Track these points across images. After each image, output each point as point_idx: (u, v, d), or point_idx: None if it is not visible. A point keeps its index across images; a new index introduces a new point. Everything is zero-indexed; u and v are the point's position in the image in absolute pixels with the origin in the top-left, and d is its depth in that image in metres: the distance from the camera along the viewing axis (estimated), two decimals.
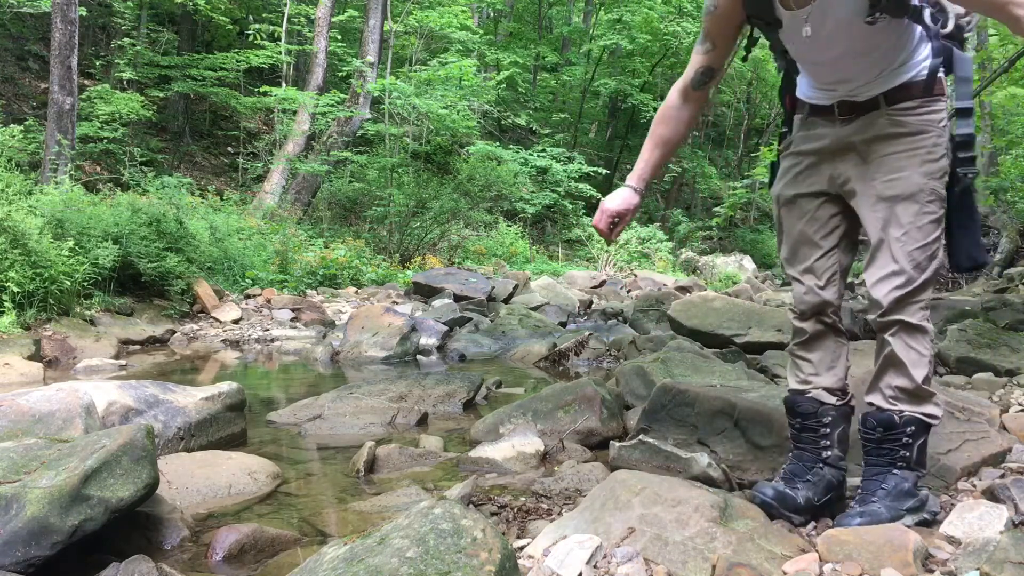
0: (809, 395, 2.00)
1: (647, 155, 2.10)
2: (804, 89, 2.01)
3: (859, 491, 1.90)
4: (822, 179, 1.98)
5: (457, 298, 8.30)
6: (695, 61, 2.01)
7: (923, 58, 1.84)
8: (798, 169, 2.02)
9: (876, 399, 1.89)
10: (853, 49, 1.81)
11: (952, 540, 1.72)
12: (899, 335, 1.83)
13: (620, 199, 2.08)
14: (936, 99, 1.85)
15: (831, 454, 1.97)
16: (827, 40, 1.81)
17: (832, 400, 1.99)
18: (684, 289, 10.56)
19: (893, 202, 1.83)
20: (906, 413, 1.84)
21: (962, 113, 1.89)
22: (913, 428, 1.85)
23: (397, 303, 8.07)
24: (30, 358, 4.71)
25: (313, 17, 14.43)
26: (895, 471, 1.85)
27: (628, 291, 11.35)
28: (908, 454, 1.85)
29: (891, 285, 1.83)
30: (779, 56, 2.03)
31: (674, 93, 2.07)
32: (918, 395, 1.84)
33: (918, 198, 1.82)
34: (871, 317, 1.88)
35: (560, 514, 2.07)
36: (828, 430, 1.98)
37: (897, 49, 1.82)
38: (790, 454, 2.06)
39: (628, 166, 24.48)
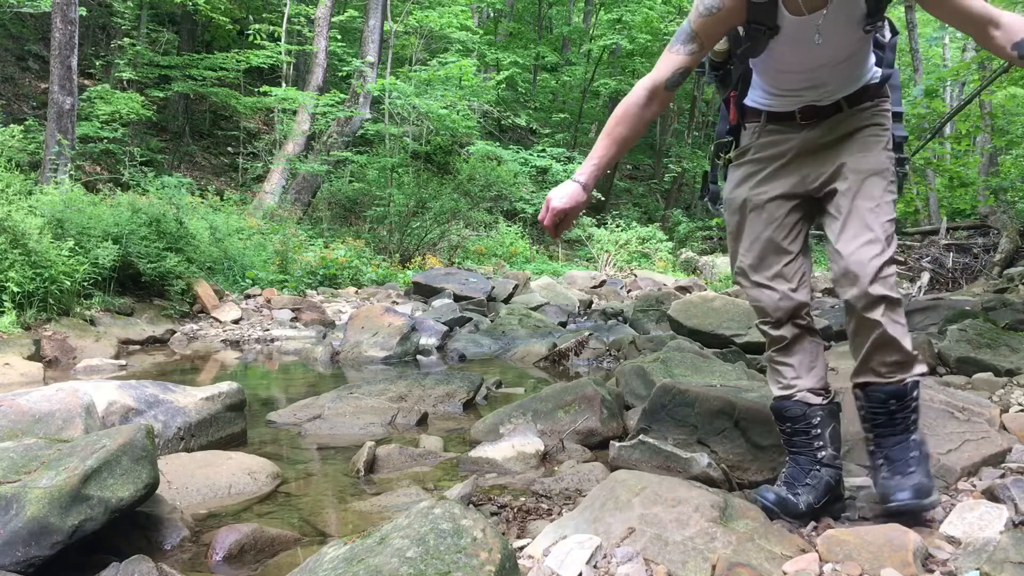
0: (795, 399, 2.01)
1: (602, 151, 1.96)
2: (757, 98, 2.02)
3: (886, 462, 1.89)
4: (791, 180, 1.99)
5: (457, 298, 8.30)
6: (674, 61, 1.91)
7: (872, 64, 1.96)
8: (763, 174, 2.02)
9: (869, 377, 1.91)
10: (840, 55, 1.87)
11: (952, 540, 1.72)
12: (887, 314, 1.83)
13: (568, 196, 1.94)
14: (885, 99, 1.98)
15: (826, 454, 1.97)
16: (821, 46, 1.83)
17: (818, 400, 2.00)
18: (684, 289, 10.56)
19: (863, 175, 1.89)
20: (907, 380, 1.88)
21: (897, 117, 2.01)
22: (917, 391, 1.90)
23: (397, 303, 8.08)
24: (30, 358, 4.71)
25: (313, 17, 14.43)
26: (913, 436, 1.89)
27: (628, 291, 11.34)
28: (916, 416, 1.92)
29: (872, 252, 1.83)
30: (727, 66, 2.02)
31: (641, 91, 1.95)
32: (910, 361, 1.89)
33: (885, 175, 1.91)
34: (852, 292, 1.84)
35: (560, 514, 2.07)
36: (819, 430, 1.98)
37: (865, 56, 1.92)
38: (787, 458, 2.06)
39: (628, 166, 24.31)
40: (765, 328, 2.06)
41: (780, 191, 2.00)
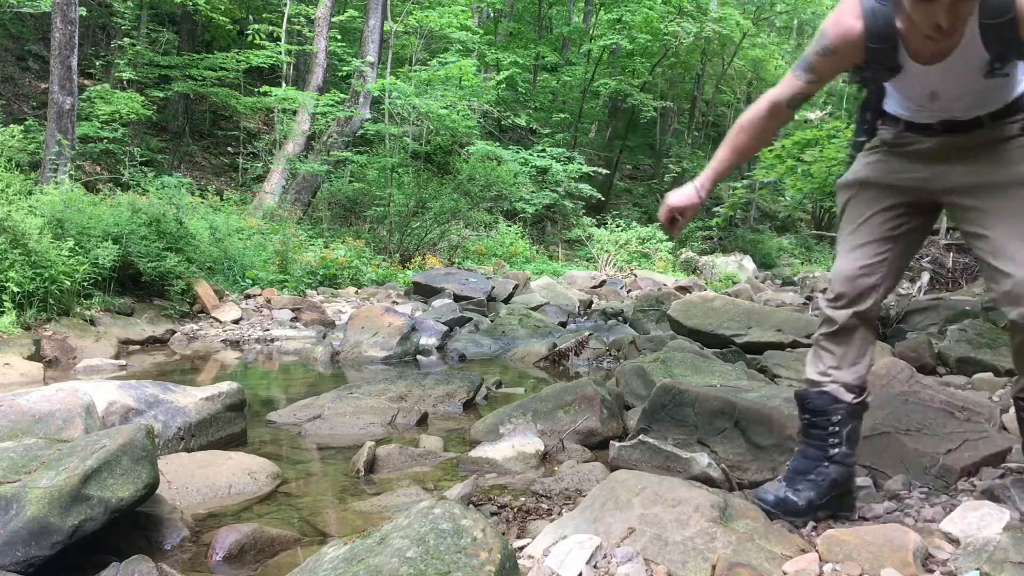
0: (824, 389, 1.96)
1: (721, 159, 2.03)
2: (895, 106, 1.95)
3: None
4: (917, 176, 1.92)
5: (457, 298, 8.30)
6: (794, 85, 1.93)
7: (1019, 80, 1.85)
8: (889, 162, 1.96)
9: None
10: (966, 94, 1.81)
11: (952, 540, 1.72)
12: None
13: (682, 195, 2.06)
14: None
15: (838, 452, 1.94)
16: (943, 87, 1.80)
17: (847, 398, 1.95)
18: (684, 289, 10.56)
19: (1015, 189, 1.80)
20: None
21: None
22: None
23: (397, 303, 8.07)
24: (30, 358, 4.71)
25: (313, 17, 14.42)
26: None
27: (628, 291, 11.34)
28: None
29: None
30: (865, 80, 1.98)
31: (765, 105, 1.98)
32: None
33: None
34: (1018, 311, 1.77)
35: (560, 514, 2.07)
36: (837, 428, 1.94)
37: (1003, 83, 1.82)
38: (796, 449, 2.03)
39: (628, 166, 24.33)
40: (824, 304, 2.00)
41: (902, 183, 1.94)
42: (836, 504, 1.93)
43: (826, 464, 1.94)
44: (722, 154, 2.04)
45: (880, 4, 1.73)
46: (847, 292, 1.96)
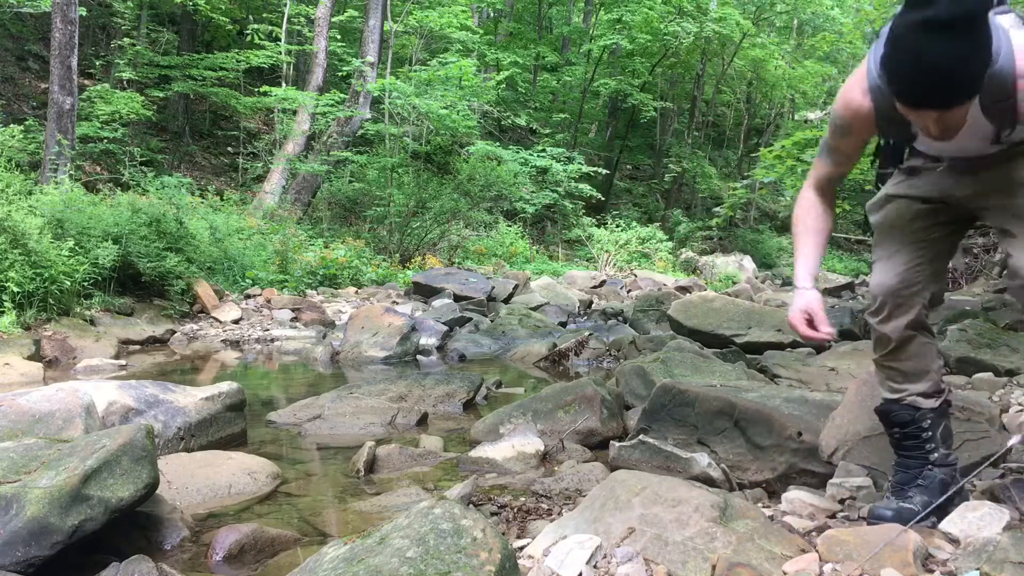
0: (904, 403, 1.95)
1: (805, 245, 1.98)
2: (920, 145, 1.93)
3: None
4: (943, 185, 1.90)
5: (457, 298, 8.30)
6: (825, 171, 1.96)
7: None
8: (914, 178, 1.95)
9: None
10: (979, 153, 1.80)
11: (952, 540, 1.72)
12: None
13: (800, 301, 1.94)
14: None
15: (938, 455, 1.93)
16: (956, 152, 1.81)
17: (929, 404, 1.93)
18: (684, 289, 10.56)
19: None
20: None
21: None
22: None
23: (397, 303, 8.07)
24: (30, 358, 4.71)
25: (313, 17, 14.42)
26: None
27: (628, 291, 11.34)
28: None
29: None
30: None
31: (808, 191, 2.00)
32: None
33: None
34: None
35: (560, 514, 2.07)
36: (930, 433, 1.93)
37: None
38: (894, 464, 2.00)
39: (628, 166, 24.26)
40: (872, 321, 1.97)
41: (929, 194, 1.92)
42: (951, 503, 1.89)
43: (930, 468, 1.92)
44: (804, 245, 1.98)
45: (884, 85, 1.68)
46: (888, 302, 1.93)
